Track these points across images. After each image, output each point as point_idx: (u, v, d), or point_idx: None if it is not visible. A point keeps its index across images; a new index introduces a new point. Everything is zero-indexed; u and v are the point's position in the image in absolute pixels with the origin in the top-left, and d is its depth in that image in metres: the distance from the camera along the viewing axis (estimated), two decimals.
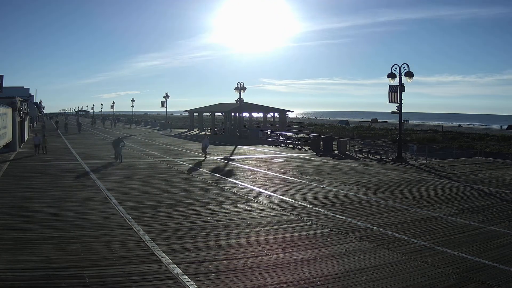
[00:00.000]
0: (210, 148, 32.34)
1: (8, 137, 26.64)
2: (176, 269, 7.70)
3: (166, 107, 66.73)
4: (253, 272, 7.72)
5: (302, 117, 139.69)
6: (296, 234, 10.10)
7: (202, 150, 26.05)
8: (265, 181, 17.58)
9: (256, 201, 13.58)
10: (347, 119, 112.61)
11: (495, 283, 7.28)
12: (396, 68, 25.68)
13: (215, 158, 25.82)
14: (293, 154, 28.40)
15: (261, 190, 15.39)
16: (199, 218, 11.36)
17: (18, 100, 30.81)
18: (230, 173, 19.52)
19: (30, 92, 65.69)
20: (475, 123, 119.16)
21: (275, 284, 7.21)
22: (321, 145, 30.91)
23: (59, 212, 11.77)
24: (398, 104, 26.00)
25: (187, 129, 61.17)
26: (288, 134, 42.32)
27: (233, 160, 24.98)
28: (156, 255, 8.48)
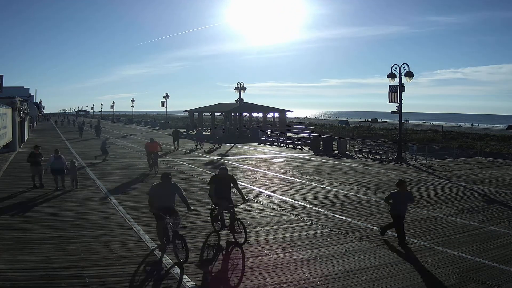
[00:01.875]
0: (211, 148, 32.34)
1: (8, 137, 26.65)
2: (176, 269, 7.70)
3: (166, 107, 66.77)
4: (253, 272, 7.72)
5: (305, 117, 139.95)
6: (296, 234, 10.10)
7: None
8: (265, 181, 17.57)
9: (256, 201, 13.57)
10: (346, 118, 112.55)
11: (495, 283, 7.28)
12: (396, 68, 25.68)
13: (215, 158, 25.82)
14: (293, 154, 28.39)
15: (261, 190, 15.38)
16: (199, 218, 11.35)
17: (18, 100, 30.81)
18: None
19: (30, 92, 65.72)
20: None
21: (275, 284, 7.21)
22: (321, 145, 30.90)
23: (59, 212, 11.77)
24: (398, 104, 26.01)
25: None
26: (288, 134, 42.33)
27: (233, 160, 24.97)
28: (156, 255, 8.47)
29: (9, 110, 27.42)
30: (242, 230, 9.09)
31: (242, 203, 9.66)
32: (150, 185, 16.09)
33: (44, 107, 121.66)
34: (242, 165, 22.34)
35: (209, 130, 57.25)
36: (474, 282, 7.35)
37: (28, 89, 63.33)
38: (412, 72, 25.48)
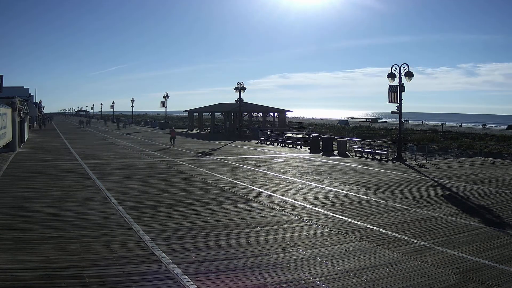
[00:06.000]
0: (211, 147, 32.35)
1: (8, 137, 26.64)
2: (176, 269, 7.70)
3: (166, 107, 66.79)
4: (253, 272, 7.71)
5: (303, 117, 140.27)
6: (296, 234, 10.10)
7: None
8: (265, 181, 17.58)
9: (256, 201, 13.57)
10: (346, 118, 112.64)
11: (495, 283, 7.28)
12: (396, 68, 25.69)
13: (215, 158, 25.83)
14: (293, 154, 28.40)
15: (261, 190, 15.39)
16: (199, 218, 11.36)
17: (18, 100, 30.79)
18: (230, 173, 19.51)
19: (30, 92, 65.66)
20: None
21: (275, 284, 7.21)
22: (321, 145, 30.92)
23: (59, 212, 11.76)
24: (397, 104, 26.03)
25: (186, 129, 61.24)
26: (288, 134, 42.33)
27: (232, 160, 24.98)
28: (156, 255, 8.47)
29: (9, 110, 27.41)
30: None
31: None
32: (149, 185, 16.20)
33: (44, 107, 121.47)
34: (242, 165, 22.35)
35: (208, 130, 57.42)
36: (474, 282, 7.35)
37: (28, 89, 63.26)
38: (412, 72, 25.51)
